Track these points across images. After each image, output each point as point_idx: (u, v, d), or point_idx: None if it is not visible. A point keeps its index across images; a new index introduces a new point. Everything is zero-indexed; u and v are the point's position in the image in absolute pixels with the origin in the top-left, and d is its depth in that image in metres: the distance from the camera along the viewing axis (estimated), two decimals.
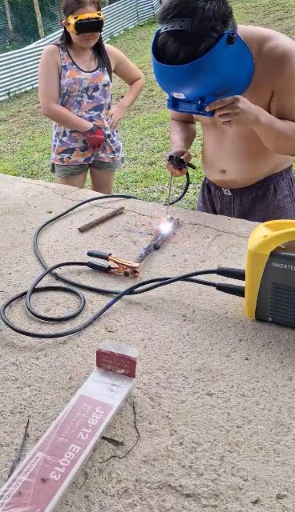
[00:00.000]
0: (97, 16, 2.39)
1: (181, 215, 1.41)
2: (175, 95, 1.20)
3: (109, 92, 2.67)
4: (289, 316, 0.91)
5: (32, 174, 5.25)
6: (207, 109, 1.19)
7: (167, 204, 1.39)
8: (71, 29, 2.42)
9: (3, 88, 9.98)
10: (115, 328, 0.97)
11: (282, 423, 0.74)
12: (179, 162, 1.40)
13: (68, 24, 2.42)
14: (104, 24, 2.56)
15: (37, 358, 0.91)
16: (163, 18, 1.12)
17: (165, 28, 1.11)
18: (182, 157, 1.41)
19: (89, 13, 2.37)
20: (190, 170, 1.48)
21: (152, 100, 7.22)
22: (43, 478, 0.64)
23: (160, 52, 1.14)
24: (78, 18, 2.36)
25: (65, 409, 0.75)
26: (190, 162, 1.46)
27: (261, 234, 0.91)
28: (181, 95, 1.18)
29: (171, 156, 1.41)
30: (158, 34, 1.15)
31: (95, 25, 2.41)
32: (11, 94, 10.01)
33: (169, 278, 1.07)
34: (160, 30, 1.14)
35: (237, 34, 1.12)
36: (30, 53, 10.66)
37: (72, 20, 2.38)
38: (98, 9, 2.43)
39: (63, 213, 1.45)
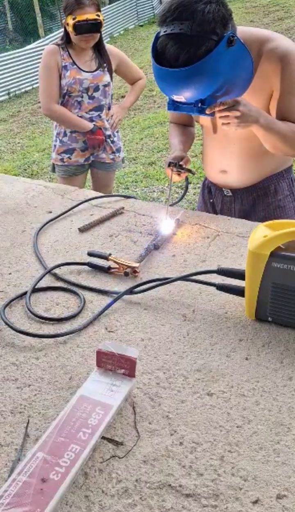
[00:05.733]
0: (96, 17, 2.39)
1: (181, 215, 1.41)
2: (175, 98, 1.20)
3: (109, 93, 2.67)
4: (289, 316, 0.91)
5: (32, 174, 5.25)
6: (207, 112, 1.19)
7: (168, 205, 1.40)
8: (70, 30, 2.43)
9: (3, 88, 9.98)
10: (115, 328, 0.97)
11: (282, 423, 0.74)
12: (178, 168, 1.40)
13: (68, 24, 2.42)
14: (104, 24, 2.56)
15: (37, 358, 0.91)
16: (163, 21, 1.12)
17: (165, 31, 1.11)
18: (180, 163, 1.41)
19: (88, 14, 2.37)
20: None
21: (152, 100, 7.23)
22: (43, 478, 0.64)
23: (159, 55, 1.14)
24: (76, 19, 2.36)
25: (65, 409, 0.75)
26: (190, 164, 1.47)
27: (261, 234, 0.91)
28: (181, 98, 1.18)
29: (170, 162, 1.41)
30: (157, 37, 1.14)
31: (94, 27, 2.41)
32: (11, 94, 10.01)
33: (169, 278, 1.07)
34: (159, 33, 1.14)
35: (237, 37, 1.12)
36: (30, 53, 10.67)
37: (71, 21, 2.38)
38: (98, 10, 2.43)
39: (63, 213, 1.45)
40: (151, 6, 15.64)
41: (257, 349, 0.89)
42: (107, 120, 2.70)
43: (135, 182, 4.55)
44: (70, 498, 0.65)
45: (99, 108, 2.64)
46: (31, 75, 10.27)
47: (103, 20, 2.47)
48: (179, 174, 1.43)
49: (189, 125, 1.64)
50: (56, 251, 1.27)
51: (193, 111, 1.21)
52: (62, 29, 2.57)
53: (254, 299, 0.93)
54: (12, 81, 10.16)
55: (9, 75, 10.15)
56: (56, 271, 1.17)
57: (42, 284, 1.12)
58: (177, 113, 1.59)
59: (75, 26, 2.38)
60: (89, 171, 2.88)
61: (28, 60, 10.56)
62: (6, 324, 0.98)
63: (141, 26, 14.73)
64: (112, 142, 2.76)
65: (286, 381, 0.81)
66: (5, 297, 1.09)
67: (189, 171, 1.46)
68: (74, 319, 1.01)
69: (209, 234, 1.30)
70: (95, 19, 2.38)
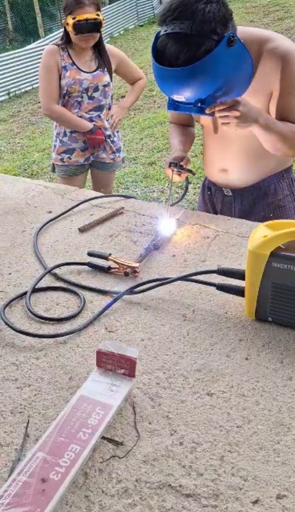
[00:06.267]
0: (96, 17, 2.39)
1: (181, 215, 1.41)
2: (175, 97, 1.20)
3: (109, 93, 2.67)
4: (289, 316, 0.91)
5: (32, 174, 5.25)
6: (207, 111, 1.19)
7: (169, 205, 1.40)
8: (69, 29, 2.43)
9: (3, 88, 9.99)
10: (115, 328, 0.97)
11: (282, 423, 0.74)
12: (179, 168, 1.40)
13: (67, 24, 2.42)
14: (104, 24, 2.56)
15: (37, 358, 0.91)
16: (163, 20, 1.12)
17: (165, 31, 1.11)
18: (181, 163, 1.41)
19: (88, 14, 2.37)
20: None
21: (152, 100, 7.23)
22: (43, 478, 0.64)
23: (159, 54, 1.14)
24: (76, 19, 2.36)
25: (65, 409, 0.75)
26: (190, 164, 1.47)
27: (261, 234, 0.91)
28: (181, 98, 1.18)
29: (171, 163, 1.41)
30: (157, 37, 1.14)
31: (94, 26, 2.41)
32: (11, 94, 10.02)
33: (169, 278, 1.07)
34: (159, 32, 1.14)
35: (237, 37, 1.12)
36: (30, 53, 10.68)
37: (70, 21, 2.38)
38: (98, 9, 2.43)
39: (63, 213, 1.45)
40: (151, 6, 15.65)
41: (257, 349, 0.89)
42: (107, 120, 2.70)
43: (135, 182, 4.55)
44: (70, 498, 0.65)
45: (99, 108, 2.64)
46: (31, 75, 10.27)
47: (103, 19, 2.47)
48: (179, 175, 1.43)
49: (189, 125, 1.64)
50: (56, 251, 1.27)
51: (193, 111, 1.21)
52: (62, 29, 2.57)
53: (254, 299, 0.93)
54: (12, 81, 10.17)
55: (9, 75, 10.15)
56: (56, 271, 1.17)
57: (42, 284, 1.12)
58: (177, 113, 1.59)
59: (75, 26, 2.38)
60: (89, 171, 2.88)
61: (28, 60, 10.57)
62: (6, 324, 0.98)
63: (142, 26, 14.73)
64: (112, 142, 2.76)
65: (286, 381, 0.81)
66: (5, 297, 1.09)
67: (190, 171, 1.46)
68: (74, 319, 1.01)
69: (209, 234, 1.30)
70: (95, 19, 2.38)
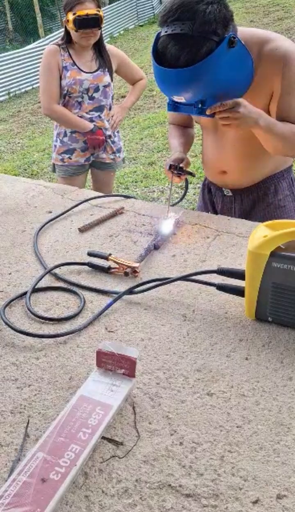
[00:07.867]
0: (96, 12, 2.39)
1: (181, 215, 1.41)
2: (176, 98, 1.20)
3: (110, 93, 2.67)
4: (289, 316, 0.91)
5: (32, 174, 5.25)
6: (208, 112, 1.19)
7: (169, 205, 1.40)
8: (70, 26, 2.43)
9: (3, 88, 9.99)
10: (115, 328, 0.97)
11: (282, 423, 0.74)
12: (179, 170, 1.40)
13: (68, 21, 2.43)
14: (104, 24, 2.56)
15: (37, 358, 0.91)
16: (164, 21, 1.12)
17: (165, 31, 1.11)
18: (181, 165, 1.41)
19: (88, 10, 2.38)
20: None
21: (152, 100, 7.23)
22: (43, 478, 0.64)
23: (160, 55, 1.14)
24: (77, 14, 2.37)
25: (65, 409, 0.75)
26: (190, 164, 1.47)
27: (261, 234, 0.91)
28: (181, 99, 1.18)
29: (171, 165, 1.41)
30: (158, 37, 1.14)
31: (94, 21, 2.41)
32: (11, 94, 10.02)
33: (169, 278, 1.07)
34: (160, 33, 1.14)
35: (237, 38, 1.12)
36: (30, 53, 10.67)
37: (71, 17, 2.39)
38: (98, 6, 2.44)
39: (63, 213, 1.45)
40: (151, 6, 15.64)
41: (257, 349, 0.89)
42: (107, 121, 2.70)
43: (135, 182, 4.55)
44: (70, 498, 0.65)
45: (99, 109, 2.64)
46: (31, 75, 10.27)
47: (103, 17, 2.47)
48: (179, 176, 1.43)
49: (188, 126, 1.64)
50: (56, 251, 1.27)
51: (193, 112, 1.21)
52: (62, 29, 2.57)
53: (254, 299, 0.93)
54: (12, 81, 10.16)
55: (9, 75, 10.15)
56: (56, 271, 1.17)
57: (42, 284, 1.12)
58: (177, 114, 1.59)
59: (75, 21, 2.38)
60: (89, 171, 2.88)
61: (28, 60, 10.56)
62: (6, 324, 0.98)
63: (141, 26, 14.73)
64: (113, 142, 2.75)
65: (286, 381, 0.81)
66: (5, 297, 1.09)
67: (190, 173, 1.46)
68: (74, 319, 1.01)
69: (209, 234, 1.30)
70: (95, 14, 2.39)
